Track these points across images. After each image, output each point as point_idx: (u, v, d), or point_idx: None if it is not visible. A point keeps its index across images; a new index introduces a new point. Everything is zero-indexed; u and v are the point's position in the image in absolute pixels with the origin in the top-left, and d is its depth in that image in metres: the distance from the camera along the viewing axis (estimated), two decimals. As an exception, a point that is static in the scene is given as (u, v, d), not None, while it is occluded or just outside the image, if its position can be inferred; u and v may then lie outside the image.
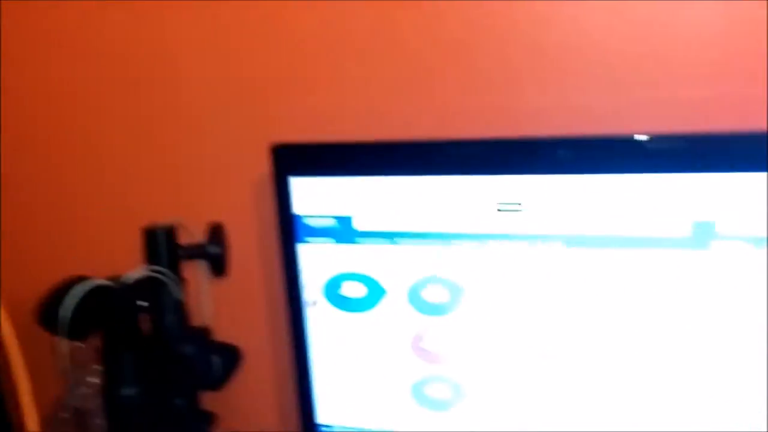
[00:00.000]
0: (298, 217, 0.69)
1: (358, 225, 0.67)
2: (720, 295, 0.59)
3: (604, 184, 0.59)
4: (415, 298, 0.68)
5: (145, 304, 0.67)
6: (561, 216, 0.61)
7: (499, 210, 0.63)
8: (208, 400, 0.73)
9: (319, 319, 0.72)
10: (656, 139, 0.58)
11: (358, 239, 0.68)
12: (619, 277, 0.62)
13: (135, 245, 0.68)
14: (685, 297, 0.60)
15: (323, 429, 0.77)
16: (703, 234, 0.58)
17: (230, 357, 0.74)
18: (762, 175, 0.56)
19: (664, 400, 0.64)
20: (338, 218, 0.68)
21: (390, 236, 0.66)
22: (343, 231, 0.68)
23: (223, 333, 0.74)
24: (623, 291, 0.62)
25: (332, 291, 0.70)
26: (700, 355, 0.62)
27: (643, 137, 0.58)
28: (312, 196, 0.68)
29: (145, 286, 0.67)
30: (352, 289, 0.69)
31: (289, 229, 0.70)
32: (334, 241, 0.69)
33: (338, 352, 0.73)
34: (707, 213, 0.58)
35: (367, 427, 0.74)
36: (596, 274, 0.62)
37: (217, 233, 0.74)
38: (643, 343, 0.63)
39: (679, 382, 0.63)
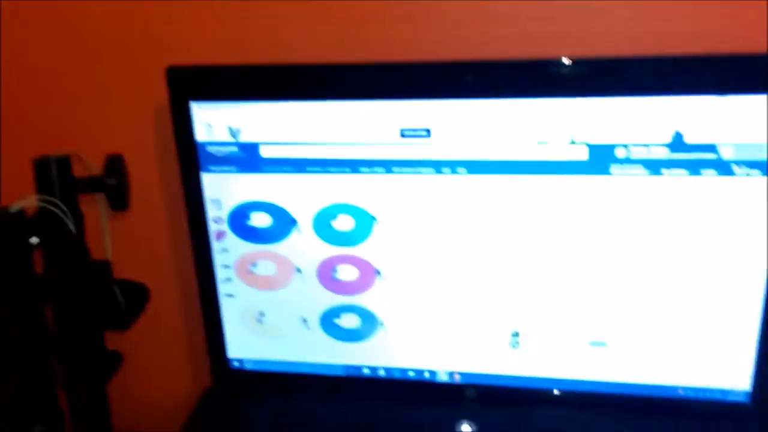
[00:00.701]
0: (201, 144, 0.67)
1: (263, 153, 0.66)
2: (619, 219, 0.62)
3: (508, 109, 0.60)
4: (323, 228, 0.67)
5: (37, 240, 0.64)
6: (466, 142, 0.62)
7: (404, 136, 0.62)
8: (114, 340, 0.71)
9: (226, 251, 0.71)
10: (556, 64, 0.59)
11: (263, 168, 0.66)
12: (521, 202, 0.63)
13: (27, 179, 0.65)
14: (585, 221, 0.62)
15: (234, 363, 0.76)
16: (601, 158, 0.59)
17: (136, 295, 0.72)
18: (661, 98, 0.57)
19: (566, 316, 0.66)
20: (243, 146, 0.66)
21: (297, 164, 0.66)
22: (248, 159, 0.67)
23: (127, 270, 0.71)
24: (527, 216, 0.63)
25: (239, 222, 0.69)
26: (599, 271, 0.64)
27: (546, 61, 0.58)
28: (214, 122, 0.66)
29: (37, 221, 0.63)
30: (259, 220, 0.69)
31: (190, 158, 0.68)
32: (238, 170, 0.67)
33: (247, 285, 0.72)
34: (606, 137, 0.59)
35: (277, 357, 0.74)
36: (501, 199, 0.63)
37: (115, 165, 0.71)
38: (549, 268, 0.65)
39: (581, 296, 0.66)
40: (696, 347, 0.64)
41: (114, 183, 0.67)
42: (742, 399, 0.65)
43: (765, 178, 0.57)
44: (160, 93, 0.67)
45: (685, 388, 0.66)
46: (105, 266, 0.69)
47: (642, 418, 0.68)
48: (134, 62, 0.75)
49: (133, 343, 0.73)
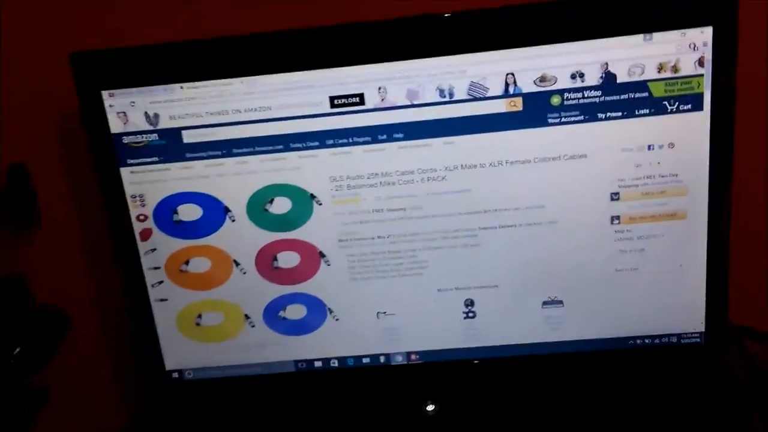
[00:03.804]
0: (116, 136, 0.66)
1: (186, 138, 0.65)
2: (558, 170, 0.65)
3: (439, 65, 0.62)
4: (258, 213, 0.67)
5: None
6: (400, 105, 0.63)
7: (335, 105, 0.63)
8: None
9: (154, 251, 0.69)
10: (482, 15, 0.61)
11: (188, 155, 0.66)
12: (462, 164, 0.65)
13: None
14: (526, 175, 0.65)
15: (173, 375, 0.74)
16: (537, 108, 0.63)
17: (54, 325, 0.69)
18: (590, 42, 0.61)
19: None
20: (163, 133, 0.65)
21: (223, 147, 0.65)
22: (170, 148, 0.66)
23: (43, 290, 0.69)
24: (469, 177, 0.65)
25: (165, 217, 0.68)
26: (546, 227, 0.67)
27: (472, 12, 0.61)
28: (129, 111, 0.65)
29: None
30: (188, 212, 0.68)
31: (106, 153, 0.66)
32: (160, 160, 0.66)
33: (180, 286, 0.71)
34: (540, 86, 0.62)
35: (221, 363, 0.73)
36: (441, 164, 0.65)
37: (17, 176, 0.68)
38: (497, 230, 0.67)
39: (531, 255, 0.68)
40: (649, 294, 0.67)
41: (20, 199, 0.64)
42: (697, 340, 0.68)
43: (699, 113, 0.61)
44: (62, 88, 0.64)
45: (642, 337, 0.69)
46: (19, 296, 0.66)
47: (603, 373, 0.70)
48: (34, 55, 0.72)
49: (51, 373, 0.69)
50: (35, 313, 0.66)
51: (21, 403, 0.65)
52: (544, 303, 0.68)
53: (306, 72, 0.62)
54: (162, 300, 0.71)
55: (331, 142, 0.64)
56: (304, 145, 0.64)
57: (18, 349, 0.64)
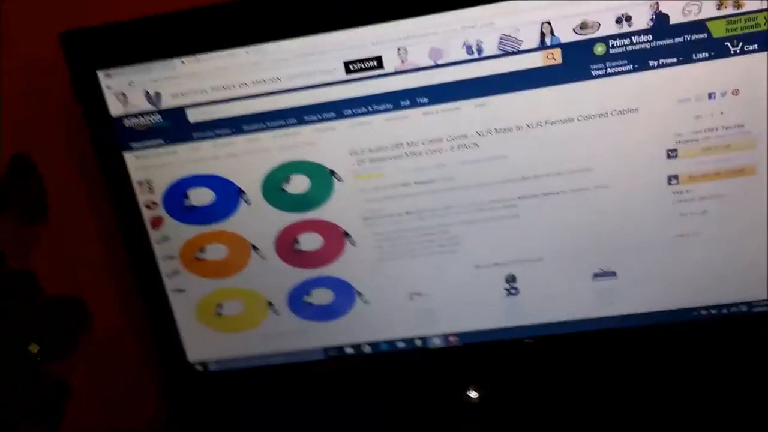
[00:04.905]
0: (117, 119, 0.62)
1: (192, 117, 0.61)
2: (610, 129, 0.59)
3: (463, 19, 0.57)
4: (275, 193, 0.63)
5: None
6: (423, 66, 0.58)
7: (351, 71, 0.58)
8: (56, 367, 0.66)
9: (167, 239, 0.66)
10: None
11: (195, 135, 0.62)
12: (497, 129, 0.60)
13: None
14: (572, 136, 0.60)
15: (197, 368, 0.71)
16: (578, 60, 0.57)
17: (73, 316, 0.67)
18: None
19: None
20: (166, 113, 0.61)
21: (232, 124, 0.61)
22: (175, 128, 0.62)
23: (57, 285, 0.66)
24: (506, 141, 0.60)
25: (176, 203, 0.65)
26: (594, 193, 0.62)
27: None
28: (128, 91, 0.61)
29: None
30: (200, 197, 0.64)
31: (107, 138, 0.63)
32: (166, 142, 0.62)
33: (197, 275, 0.68)
34: (579, 35, 0.56)
35: (246, 353, 0.70)
36: (473, 128, 0.60)
37: (21, 167, 0.65)
38: (538, 197, 0.62)
39: (578, 223, 0.63)
40: (714, 260, 0.62)
41: (24, 192, 0.61)
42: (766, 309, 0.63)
43: (766, 53, 0.54)
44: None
45: (707, 308, 0.63)
46: (31, 286, 0.63)
47: (665, 350, 0.65)
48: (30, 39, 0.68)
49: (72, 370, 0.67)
50: (49, 304, 0.64)
51: (44, 396, 0.63)
52: (595, 275, 0.64)
53: (316, 36, 0.58)
54: (179, 290, 0.69)
55: (348, 112, 0.60)
56: (320, 117, 0.60)
57: (34, 342, 0.61)
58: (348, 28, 0.57)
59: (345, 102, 0.59)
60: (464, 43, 0.56)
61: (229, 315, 0.69)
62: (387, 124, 0.60)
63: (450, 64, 0.57)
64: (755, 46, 0.55)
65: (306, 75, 0.59)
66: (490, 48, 0.56)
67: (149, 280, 0.68)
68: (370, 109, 0.59)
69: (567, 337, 0.66)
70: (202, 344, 0.71)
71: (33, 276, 0.64)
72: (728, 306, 0.64)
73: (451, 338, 0.68)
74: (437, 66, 0.57)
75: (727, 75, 0.56)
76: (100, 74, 0.61)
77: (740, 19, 0.54)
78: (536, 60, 0.56)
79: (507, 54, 0.57)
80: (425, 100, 0.59)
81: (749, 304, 0.63)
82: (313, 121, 0.60)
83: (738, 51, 0.55)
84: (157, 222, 0.65)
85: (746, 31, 0.54)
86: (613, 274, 0.63)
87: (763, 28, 0.54)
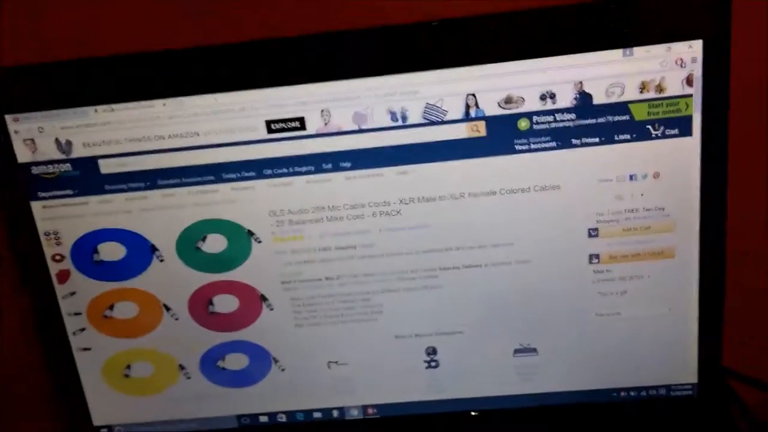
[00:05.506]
0: (25, 166, 0.59)
1: (104, 168, 0.59)
2: (530, 203, 0.59)
3: (389, 85, 0.56)
4: (189, 252, 0.61)
5: None
6: (347, 130, 0.58)
7: (273, 130, 0.57)
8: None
9: (74, 294, 0.64)
10: (443, 26, 0.56)
11: (107, 187, 0.60)
12: (419, 196, 0.60)
13: None
14: (494, 208, 0.60)
15: (102, 431, 0.68)
16: (502, 134, 0.57)
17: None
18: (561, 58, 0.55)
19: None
20: (77, 162, 0.59)
21: (147, 178, 0.59)
22: (86, 179, 0.60)
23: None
24: (428, 212, 0.60)
25: (84, 257, 0.62)
26: (516, 267, 0.61)
27: (433, 24, 0.56)
28: (38, 138, 0.59)
29: None
30: (110, 251, 0.62)
31: (14, 185, 0.61)
32: (76, 192, 0.60)
33: (105, 333, 0.65)
34: (505, 108, 0.56)
35: (154, 418, 0.67)
36: (396, 196, 0.59)
37: None
38: (461, 271, 0.62)
39: (500, 299, 0.63)
40: (633, 341, 0.62)
41: None
42: (689, 393, 0.63)
43: (688, 138, 0.55)
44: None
45: (626, 389, 0.63)
46: None
47: (584, 429, 0.64)
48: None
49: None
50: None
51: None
52: (516, 351, 0.63)
53: (238, 93, 0.56)
54: (85, 349, 0.66)
55: (269, 172, 0.58)
56: (239, 175, 0.58)
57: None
58: (271, 87, 0.56)
59: (265, 161, 0.58)
60: (389, 110, 0.56)
61: (137, 377, 0.67)
62: (308, 186, 0.59)
63: (374, 129, 0.57)
64: (676, 130, 0.55)
65: (226, 132, 0.58)
66: (415, 116, 0.56)
67: (54, 335, 0.65)
68: (291, 170, 0.58)
69: (486, 413, 0.65)
70: (109, 407, 0.68)
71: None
72: (647, 388, 0.63)
73: (370, 410, 0.66)
74: (361, 131, 0.57)
75: (649, 158, 0.56)
76: (8, 118, 0.58)
77: (662, 104, 0.55)
78: (460, 131, 0.56)
79: (432, 123, 0.56)
80: (348, 164, 0.58)
81: (668, 387, 0.63)
82: (231, 179, 0.59)
83: (660, 135, 0.55)
84: (63, 276, 0.63)
85: (668, 115, 0.55)
86: (534, 350, 0.62)
87: (684, 113, 0.55)
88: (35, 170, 0.60)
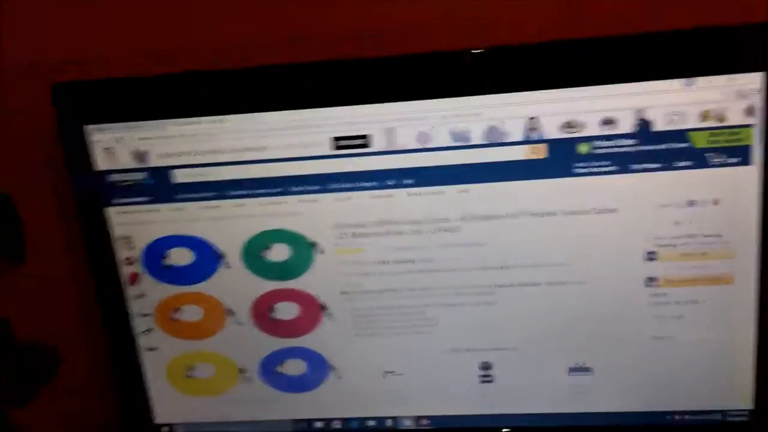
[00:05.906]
0: (102, 174, 0.63)
1: (177, 178, 0.62)
2: (588, 225, 0.61)
3: (455, 107, 0.59)
4: (255, 260, 0.64)
5: None
6: (411, 149, 0.60)
7: (339, 147, 0.60)
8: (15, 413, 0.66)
9: (143, 296, 0.67)
10: (505, 52, 0.58)
11: (179, 196, 0.63)
12: (479, 215, 0.61)
13: None
14: (552, 229, 0.61)
15: (164, 430, 0.72)
16: (562, 156, 0.58)
17: (44, 360, 0.67)
18: (624, 85, 0.57)
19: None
20: (152, 171, 0.63)
21: (217, 188, 0.63)
22: (159, 187, 0.63)
23: (29, 331, 0.67)
24: (488, 230, 0.62)
25: (155, 261, 0.66)
26: (573, 287, 0.63)
27: (495, 49, 0.58)
28: (116, 147, 0.62)
29: None
30: (179, 257, 0.65)
31: (90, 192, 0.64)
32: (149, 200, 0.64)
33: (171, 334, 0.69)
34: (566, 132, 0.58)
35: (213, 419, 0.70)
36: (456, 213, 0.61)
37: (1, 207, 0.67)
38: (519, 287, 0.63)
39: (556, 317, 0.64)
40: (689, 365, 0.63)
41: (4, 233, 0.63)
42: (744, 419, 0.63)
43: (748, 167, 0.56)
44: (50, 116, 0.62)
45: (680, 413, 0.64)
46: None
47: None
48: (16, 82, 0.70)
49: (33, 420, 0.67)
50: (20, 351, 0.64)
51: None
52: (571, 369, 0.64)
53: (308, 110, 0.59)
54: (152, 349, 0.69)
55: (334, 186, 0.61)
56: (305, 189, 0.61)
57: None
58: (340, 106, 0.59)
59: (331, 176, 0.61)
60: (451, 130, 0.58)
61: (199, 378, 0.70)
62: (371, 201, 0.61)
63: (436, 149, 0.59)
64: (738, 159, 0.56)
65: (294, 147, 0.60)
66: (477, 137, 0.58)
67: (122, 335, 0.69)
68: (355, 185, 0.61)
69: (538, 430, 0.66)
70: (171, 406, 0.71)
71: (6, 322, 0.65)
72: (702, 413, 0.63)
73: (423, 421, 0.68)
74: (424, 150, 0.59)
75: (708, 185, 0.57)
76: (90, 128, 0.62)
77: (724, 132, 0.56)
78: (521, 153, 0.58)
79: (493, 144, 0.58)
80: (410, 181, 0.60)
81: (723, 412, 0.63)
82: (298, 192, 0.62)
83: (719, 163, 0.56)
84: (134, 278, 0.66)
85: (729, 144, 0.56)
86: (589, 370, 0.63)
87: (745, 142, 0.56)
88: (112, 178, 0.63)
